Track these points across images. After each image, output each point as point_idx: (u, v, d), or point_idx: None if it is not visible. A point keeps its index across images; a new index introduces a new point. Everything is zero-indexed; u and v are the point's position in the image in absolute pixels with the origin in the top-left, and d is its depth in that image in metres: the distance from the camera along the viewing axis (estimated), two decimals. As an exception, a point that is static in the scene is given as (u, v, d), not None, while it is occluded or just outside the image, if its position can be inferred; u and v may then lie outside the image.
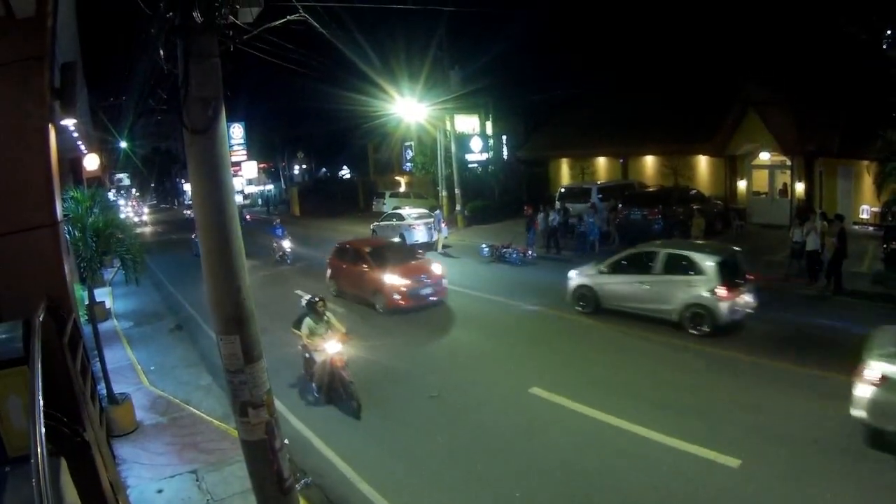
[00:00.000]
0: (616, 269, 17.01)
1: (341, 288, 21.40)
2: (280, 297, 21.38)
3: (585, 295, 17.39)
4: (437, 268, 20.02)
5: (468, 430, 10.92)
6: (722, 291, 14.54)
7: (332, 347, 11.87)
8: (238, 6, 6.63)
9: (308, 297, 12.79)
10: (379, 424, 11.45)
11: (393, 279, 18.64)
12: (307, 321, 12.19)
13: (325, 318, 12.31)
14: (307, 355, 12.58)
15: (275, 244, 30.38)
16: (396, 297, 18.47)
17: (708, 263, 15.01)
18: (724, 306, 14.57)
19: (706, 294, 14.72)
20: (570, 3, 37.37)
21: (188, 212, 75.87)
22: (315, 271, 26.01)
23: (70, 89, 8.28)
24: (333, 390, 12.19)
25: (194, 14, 6.17)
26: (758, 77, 27.39)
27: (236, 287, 6.76)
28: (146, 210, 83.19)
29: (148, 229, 59.91)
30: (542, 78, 39.52)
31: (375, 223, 34.89)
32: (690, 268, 15.37)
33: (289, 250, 30.04)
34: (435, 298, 19.19)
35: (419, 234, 30.99)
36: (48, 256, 7.28)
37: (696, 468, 8.98)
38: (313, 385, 12.51)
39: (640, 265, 16.53)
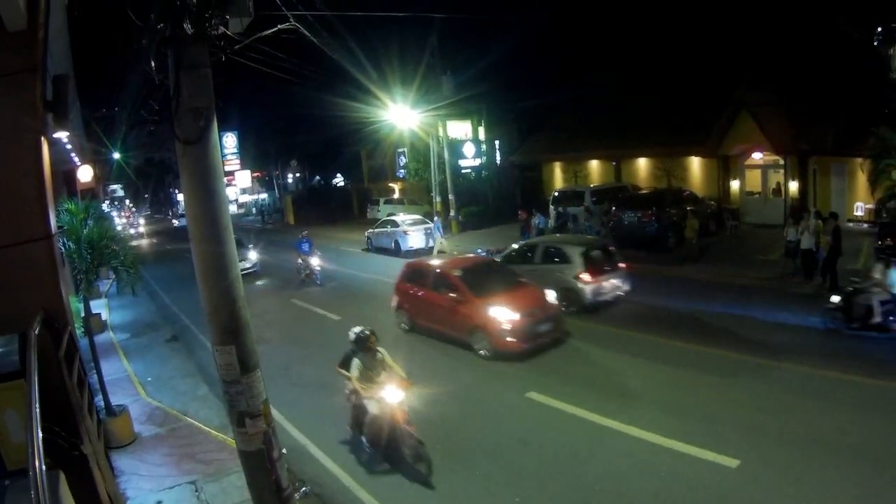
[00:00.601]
0: (509, 260, 19.35)
1: (416, 321, 17.15)
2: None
3: None
4: (549, 295, 16.05)
5: (464, 436, 10.91)
6: (585, 277, 17.34)
7: (392, 396, 9.72)
8: (228, 17, 6.64)
9: (357, 329, 10.29)
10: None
11: (503, 312, 14.41)
12: (356, 361, 10.04)
13: (379, 355, 10.22)
14: (355, 402, 10.40)
15: (300, 261, 26.46)
16: (510, 338, 14.29)
17: (573, 253, 17.75)
18: (587, 289, 17.32)
19: (571, 279, 17.41)
20: (562, 7, 37.42)
21: (176, 221, 74.46)
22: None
23: (62, 101, 8.29)
24: (393, 449, 9.88)
25: (185, 25, 6.20)
26: (750, 78, 27.48)
27: (231, 297, 6.77)
28: (141, 221, 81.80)
29: (144, 241, 58.66)
30: (535, 82, 39.70)
31: (370, 230, 34.87)
32: (560, 257, 18.16)
33: (318, 268, 26.00)
34: (552, 337, 15.13)
35: (414, 241, 30.88)
36: (43, 269, 7.26)
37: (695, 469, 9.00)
38: (363, 439, 10.31)
39: (525, 257, 19.34)
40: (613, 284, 17.89)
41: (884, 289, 13.59)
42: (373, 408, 9.93)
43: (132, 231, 62.41)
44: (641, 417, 10.70)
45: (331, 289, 25.21)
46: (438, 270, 16.80)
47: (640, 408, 11.19)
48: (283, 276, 28.51)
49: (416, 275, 17.49)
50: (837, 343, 13.66)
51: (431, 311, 16.40)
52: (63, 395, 6.68)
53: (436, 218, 31.53)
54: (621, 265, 18.45)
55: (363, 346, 10.10)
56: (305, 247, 26.44)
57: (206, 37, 6.38)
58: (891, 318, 13.38)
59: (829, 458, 8.89)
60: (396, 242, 31.31)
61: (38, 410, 4.47)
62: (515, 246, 20.78)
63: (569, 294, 17.37)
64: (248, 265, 28.14)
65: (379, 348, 10.29)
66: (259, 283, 27.47)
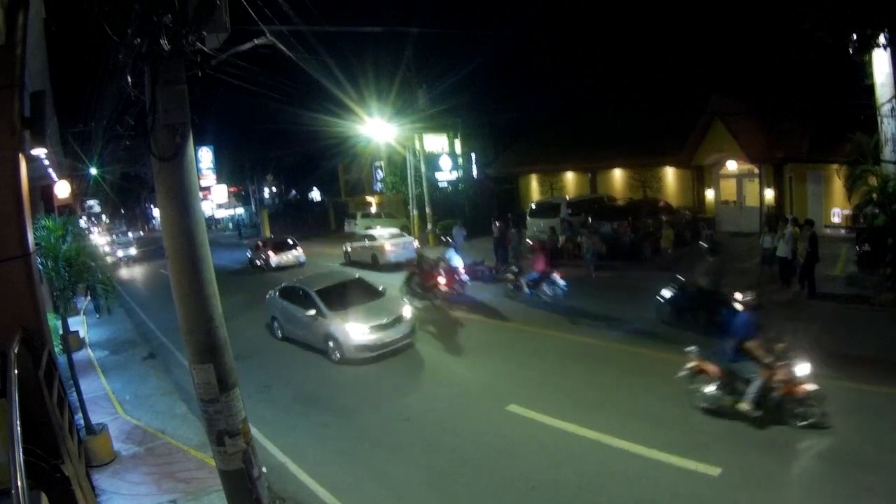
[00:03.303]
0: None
1: None
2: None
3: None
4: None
5: (446, 451, 10.90)
6: None
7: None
8: (205, 33, 6.65)
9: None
10: (355, 447, 11.39)
11: None
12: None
13: None
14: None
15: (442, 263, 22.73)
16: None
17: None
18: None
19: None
20: (537, 20, 37.74)
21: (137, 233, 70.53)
22: None
23: (40, 118, 8.26)
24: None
25: (162, 41, 6.20)
26: (723, 87, 27.81)
27: (208, 315, 6.75)
28: (131, 237, 71.03)
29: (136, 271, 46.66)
30: (511, 95, 39.94)
31: (348, 244, 34.78)
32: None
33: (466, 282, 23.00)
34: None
35: (392, 255, 30.78)
36: (21, 288, 7.21)
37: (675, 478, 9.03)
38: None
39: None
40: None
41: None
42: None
43: (120, 255, 53.64)
44: (620, 426, 10.74)
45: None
46: None
47: (618, 417, 11.23)
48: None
49: None
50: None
51: None
52: (43, 415, 6.62)
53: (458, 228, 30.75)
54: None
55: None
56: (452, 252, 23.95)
57: (183, 53, 6.39)
58: None
59: (815, 462, 9.00)
60: (374, 257, 31.21)
61: (19, 430, 4.43)
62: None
63: None
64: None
65: None
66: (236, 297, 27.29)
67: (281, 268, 34.93)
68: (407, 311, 17.35)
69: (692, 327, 15.45)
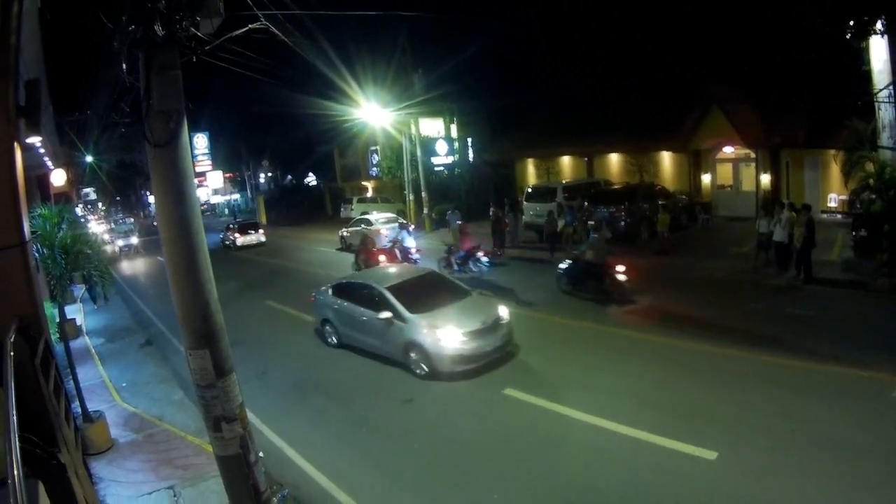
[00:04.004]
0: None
1: None
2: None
3: None
4: None
5: (444, 435, 10.93)
6: None
7: None
8: (199, 18, 6.60)
9: None
10: (353, 432, 11.42)
11: None
12: None
13: None
14: None
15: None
16: None
17: None
18: None
19: None
20: (534, 6, 37.54)
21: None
22: None
23: (35, 107, 8.20)
24: None
25: (156, 27, 6.15)
26: (720, 72, 27.69)
27: (204, 301, 6.74)
28: (131, 223, 58.62)
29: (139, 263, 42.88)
30: (507, 79, 39.75)
31: (344, 229, 34.75)
32: None
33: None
34: None
35: (388, 239, 30.56)
36: (17, 276, 7.19)
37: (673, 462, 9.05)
38: None
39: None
40: None
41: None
42: None
43: (121, 244, 48.43)
44: (620, 411, 10.76)
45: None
46: None
47: (618, 402, 11.26)
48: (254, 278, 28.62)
49: None
50: (808, 333, 13.84)
51: None
52: (40, 404, 6.61)
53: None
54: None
55: None
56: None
57: (177, 39, 6.34)
58: None
59: (810, 448, 8.97)
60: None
61: (15, 419, 4.42)
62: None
63: None
64: None
65: None
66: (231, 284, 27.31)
67: (244, 247, 41.19)
68: (504, 311, 14.32)
69: (583, 294, 18.60)
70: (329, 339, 16.59)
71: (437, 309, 13.91)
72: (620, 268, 17.82)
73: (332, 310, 16.25)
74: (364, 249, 26.03)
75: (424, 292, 14.70)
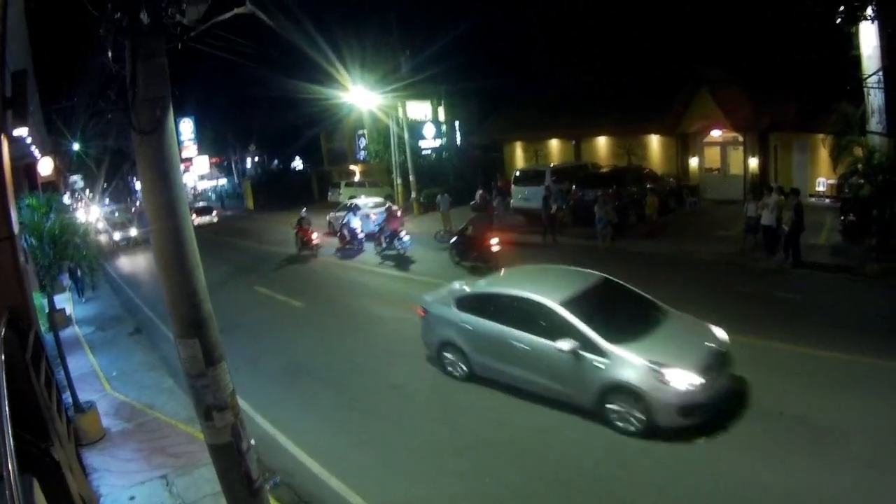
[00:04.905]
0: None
1: None
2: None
3: None
4: None
5: (435, 419, 10.98)
6: None
7: None
8: (185, 4, 6.52)
9: None
10: (345, 417, 11.47)
11: None
12: None
13: None
14: None
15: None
16: None
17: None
18: None
19: None
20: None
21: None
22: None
23: (21, 98, 8.11)
24: None
25: (141, 15, 6.08)
26: (708, 55, 27.65)
27: (192, 289, 6.69)
28: (127, 211, 55.81)
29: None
30: (494, 62, 39.56)
31: (332, 213, 34.59)
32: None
33: None
34: None
35: (376, 224, 30.44)
36: (6, 269, 7.14)
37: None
38: None
39: None
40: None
41: None
42: None
43: (118, 237, 43.15)
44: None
45: (292, 275, 25.88)
46: None
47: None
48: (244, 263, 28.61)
49: None
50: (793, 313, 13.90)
51: None
52: (31, 398, 6.58)
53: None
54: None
55: None
56: None
57: (163, 26, 6.27)
58: None
59: (809, 435, 9.06)
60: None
61: (7, 414, 4.39)
62: None
63: None
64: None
65: None
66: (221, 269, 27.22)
67: (200, 227, 41.88)
68: (721, 334, 10.64)
69: (467, 262, 21.93)
70: (453, 371, 12.51)
71: (642, 336, 10.11)
72: (494, 240, 21.50)
73: (459, 330, 12.10)
74: (300, 229, 29.29)
75: (611, 309, 11.01)
